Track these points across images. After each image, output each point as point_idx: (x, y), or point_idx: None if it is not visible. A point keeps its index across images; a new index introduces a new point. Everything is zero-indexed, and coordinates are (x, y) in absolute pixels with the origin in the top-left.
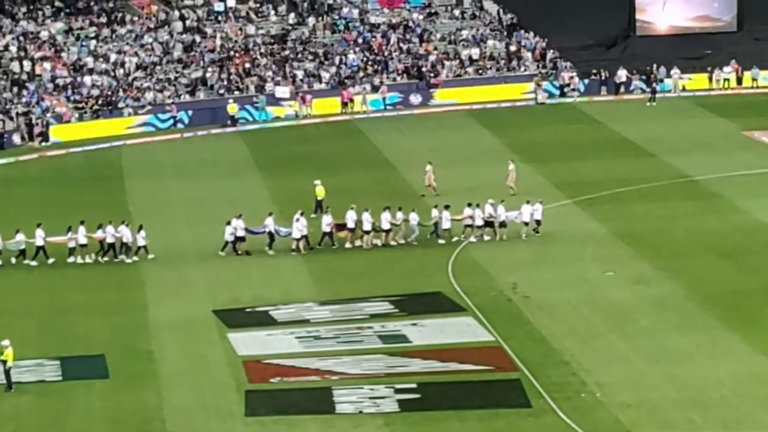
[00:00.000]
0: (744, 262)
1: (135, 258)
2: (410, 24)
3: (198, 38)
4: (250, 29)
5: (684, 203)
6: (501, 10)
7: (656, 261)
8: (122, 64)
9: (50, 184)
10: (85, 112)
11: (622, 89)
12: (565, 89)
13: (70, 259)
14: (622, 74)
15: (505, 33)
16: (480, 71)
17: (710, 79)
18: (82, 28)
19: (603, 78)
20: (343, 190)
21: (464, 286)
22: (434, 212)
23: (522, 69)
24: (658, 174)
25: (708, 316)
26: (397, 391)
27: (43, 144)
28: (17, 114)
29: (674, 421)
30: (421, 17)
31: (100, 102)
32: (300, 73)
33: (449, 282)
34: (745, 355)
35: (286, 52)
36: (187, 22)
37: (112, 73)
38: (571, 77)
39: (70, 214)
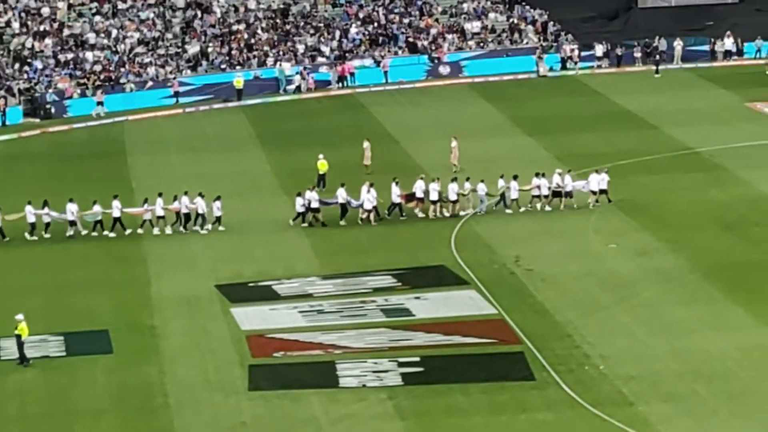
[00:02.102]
0: (747, 234)
1: (208, 228)
2: None
3: (199, 12)
4: (251, 3)
5: (687, 175)
6: None
7: (659, 233)
8: (123, 40)
9: (53, 160)
10: (87, 88)
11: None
12: (567, 62)
13: (140, 231)
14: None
15: (507, 6)
16: (481, 44)
17: (712, 50)
18: (83, 4)
19: (605, 50)
20: (345, 165)
21: (467, 259)
22: (500, 182)
23: (524, 42)
24: (661, 146)
25: (711, 288)
26: (401, 364)
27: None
28: (19, 90)
29: (678, 393)
30: None
31: (102, 78)
32: (301, 48)
33: (452, 255)
34: (749, 327)
35: (288, 27)
36: None
37: (114, 49)
38: (573, 50)
39: (74, 190)
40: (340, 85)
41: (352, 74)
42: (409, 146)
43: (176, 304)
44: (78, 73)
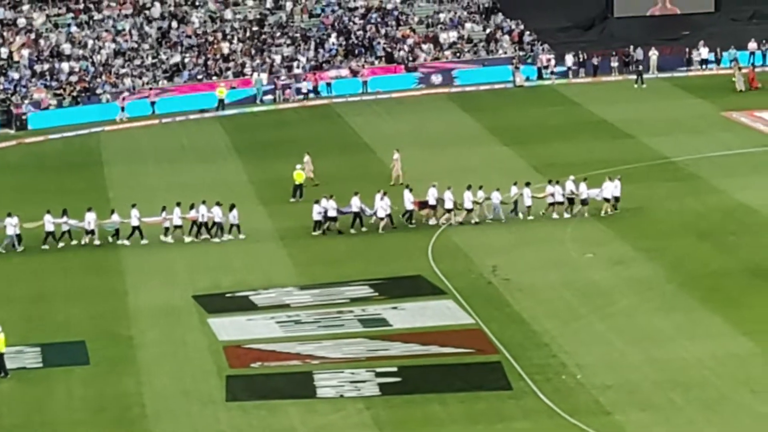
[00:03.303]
0: (723, 243)
1: (229, 237)
2: (388, 7)
3: (175, 23)
4: (228, 14)
5: (663, 184)
6: None
7: (636, 242)
8: (99, 50)
9: (30, 171)
10: (64, 99)
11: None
12: (543, 71)
13: (163, 239)
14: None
15: (483, 16)
16: (458, 54)
17: (688, 60)
18: (59, 15)
19: (581, 60)
20: (321, 175)
21: (444, 269)
22: (513, 189)
23: (500, 52)
24: (637, 155)
25: (688, 296)
26: (378, 374)
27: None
28: None
29: (655, 402)
30: (398, 0)
31: (78, 88)
32: (277, 58)
33: (429, 265)
34: (725, 336)
35: (264, 37)
36: (164, 7)
37: (90, 59)
38: (549, 59)
39: (50, 201)
40: (313, 95)
41: (329, 84)
42: (386, 156)
43: (153, 315)
44: (54, 83)
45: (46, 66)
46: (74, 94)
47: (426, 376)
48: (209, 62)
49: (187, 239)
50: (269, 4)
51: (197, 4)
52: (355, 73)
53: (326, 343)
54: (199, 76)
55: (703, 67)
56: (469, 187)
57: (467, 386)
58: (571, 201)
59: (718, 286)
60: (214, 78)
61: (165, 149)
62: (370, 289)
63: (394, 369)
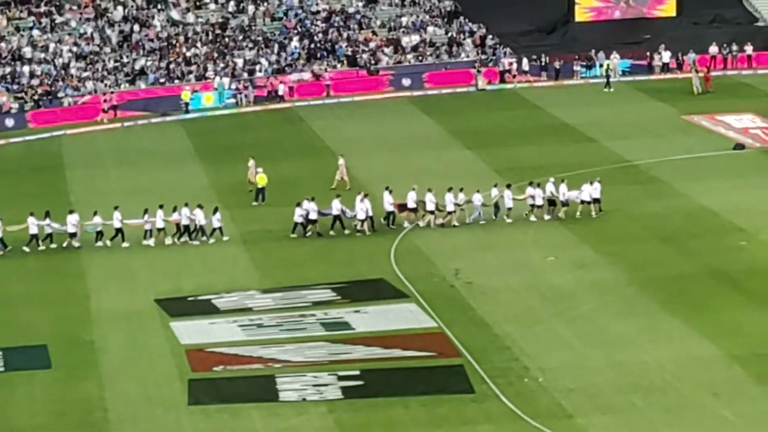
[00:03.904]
0: (685, 246)
1: (211, 240)
2: (350, 11)
3: (137, 27)
4: (190, 17)
5: (624, 188)
6: None
7: (597, 246)
8: (61, 54)
9: None
10: (26, 102)
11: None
12: (505, 75)
13: (145, 242)
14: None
15: (446, 19)
16: (420, 58)
17: (649, 63)
18: (20, 18)
19: (543, 63)
20: (284, 179)
21: (407, 272)
22: (494, 191)
23: (462, 56)
24: (599, 159)
25: (649, 300)
26: (341, 378)
27: None
28: None
29: (616, 405)
30: (360, 4)
31: (40, 92)
32: (240, 62)
33: (392, 269)
34: (687, 339)
35: (226, 40)
36: (126, 11)
37: (52, 63)
38: (511, 63)
39: (11, 205)
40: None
41: (291, 88)
42: (348, 160)
43: (115, 319)
44: (15, 87)
45: (8, 69)
46: (36, 97)
47: (388, 380)
48: (171, 66)
49: (151, 242)
50: (232, 7)
51: (159, 8)
52: (317, 76)
53: (288, 347)
54: (162, 80)
55: (665, 71)
56: (450, 189)
57: (430, 389)
58: (551, 203)
59: (679, 289)
60: (176, 81)
61: (127, 153)
62: (333, 292)
63: (357, 372)
